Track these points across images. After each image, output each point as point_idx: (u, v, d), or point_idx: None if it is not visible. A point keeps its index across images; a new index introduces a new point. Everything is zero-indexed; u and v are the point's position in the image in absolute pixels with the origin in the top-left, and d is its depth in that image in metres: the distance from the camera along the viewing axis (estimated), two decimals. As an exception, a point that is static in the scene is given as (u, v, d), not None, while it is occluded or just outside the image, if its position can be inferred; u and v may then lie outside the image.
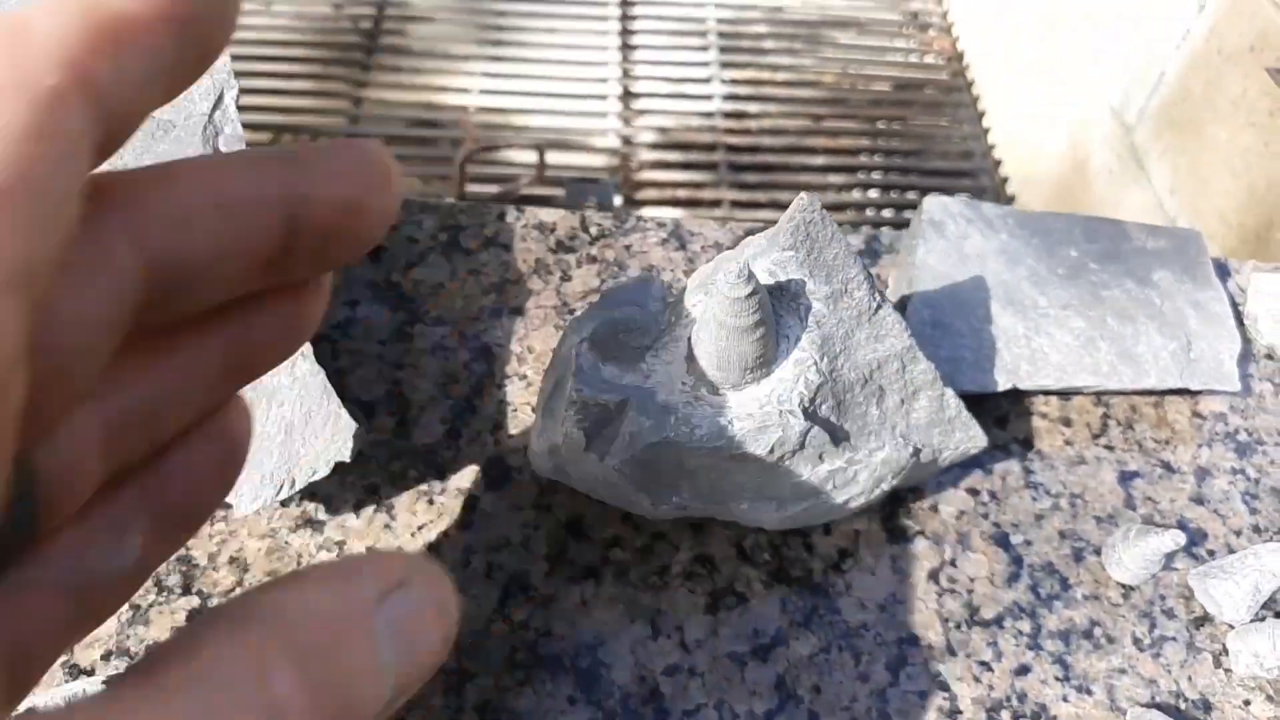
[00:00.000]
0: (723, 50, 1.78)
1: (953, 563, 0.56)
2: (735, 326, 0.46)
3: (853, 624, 0.53)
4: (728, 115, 1.66)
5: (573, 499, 0.56)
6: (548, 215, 0.70)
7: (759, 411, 0.48)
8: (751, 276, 0.46)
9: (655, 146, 1.65)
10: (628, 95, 1.72)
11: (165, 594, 0.51)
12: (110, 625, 0.49)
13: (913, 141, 1.65)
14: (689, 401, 0.49)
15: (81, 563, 0.24)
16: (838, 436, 0.50)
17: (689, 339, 0.50)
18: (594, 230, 0.69)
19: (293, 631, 0.18)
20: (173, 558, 0.51)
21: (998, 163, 1.66)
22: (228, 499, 0.50)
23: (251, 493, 0.50)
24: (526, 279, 0.66)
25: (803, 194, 0.51)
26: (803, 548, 0.56)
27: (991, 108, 1.80)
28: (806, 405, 0.49)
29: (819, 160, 1.63)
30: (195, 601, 0.51)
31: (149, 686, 0.16)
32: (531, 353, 0.62)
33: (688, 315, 0.51)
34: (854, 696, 0.51)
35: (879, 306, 0.51)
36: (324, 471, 0.50)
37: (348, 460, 0.50)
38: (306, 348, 0.51)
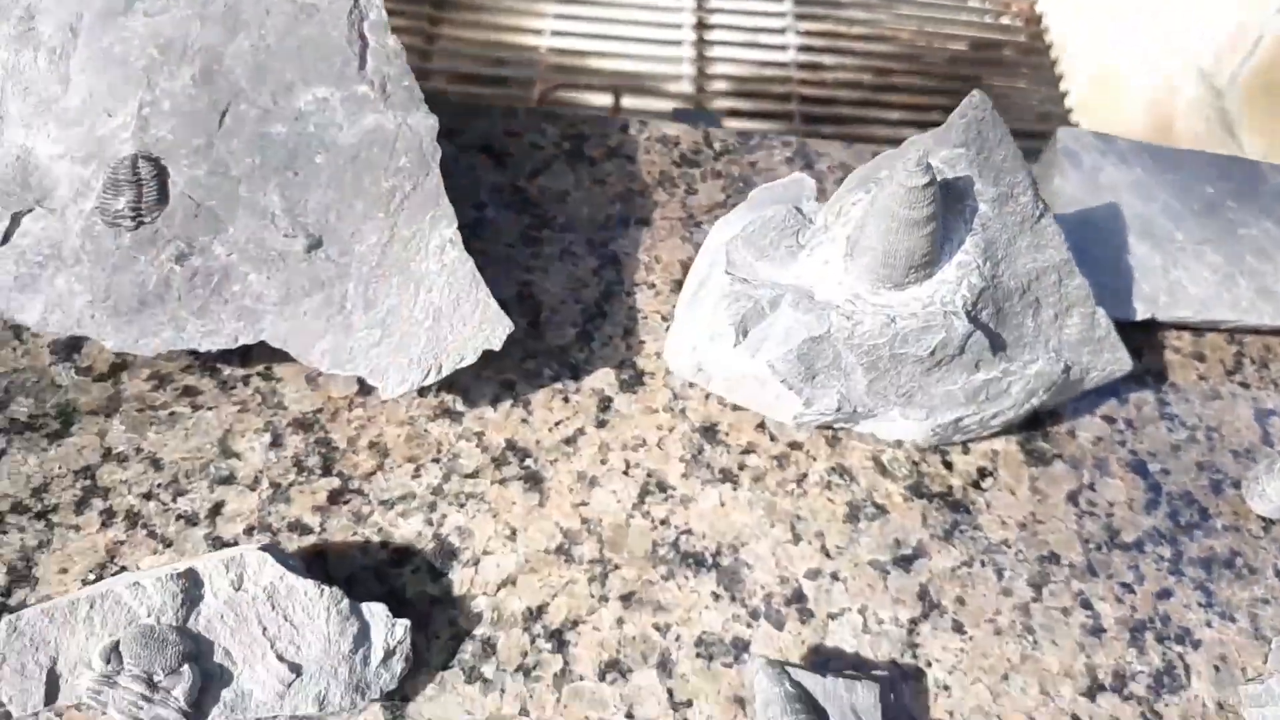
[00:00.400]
0: (798, 2, 1.75)
1: (1091, 486, 0.55)
2: (908, 219, 0.45)
3: (994, 540, 0.52)
4: (802, 66, 1.64)
5: (706, 404, 0.55)
6: (671, 129, 0.68)
7: (922, 311, 0.47)
8: (929, 167, 0.45)
9: (729, 94, 1.63)
10: (702, 43, 1.70)
11: (305, 474, 0.50)
12: (252, 501, 0.49)
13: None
14: (850, 299, 0.48)
15: None
16: (996, 345, 0.49)
17: (848, 237, 0.49)
18: (718, 146, 0.68)
19: None
20: (311, 440, 0.51)
21: (1075, 126, 1.63)
22: (372, 382, 0.49)
23: (398, 376, 0.50)
24: (651, 190, 0.65)
25: (975, 91, 0.49)
26: (941, 465, 0.55)
27: (1069, 71, 1.77)
28: (969, 309, 0.48)
29: (894, 115, 1.60)
30: (335, 483, 0.50)
31: None
32: (659, 263, 0.61)
33: (846, 213, 0.49)
34: (997, 610, 0.50)
35: (1041, 214, 0.50)
36: (471, 358, 0.50)
37: (497, 349, 0.50)
38: (455, 235, 0.51)
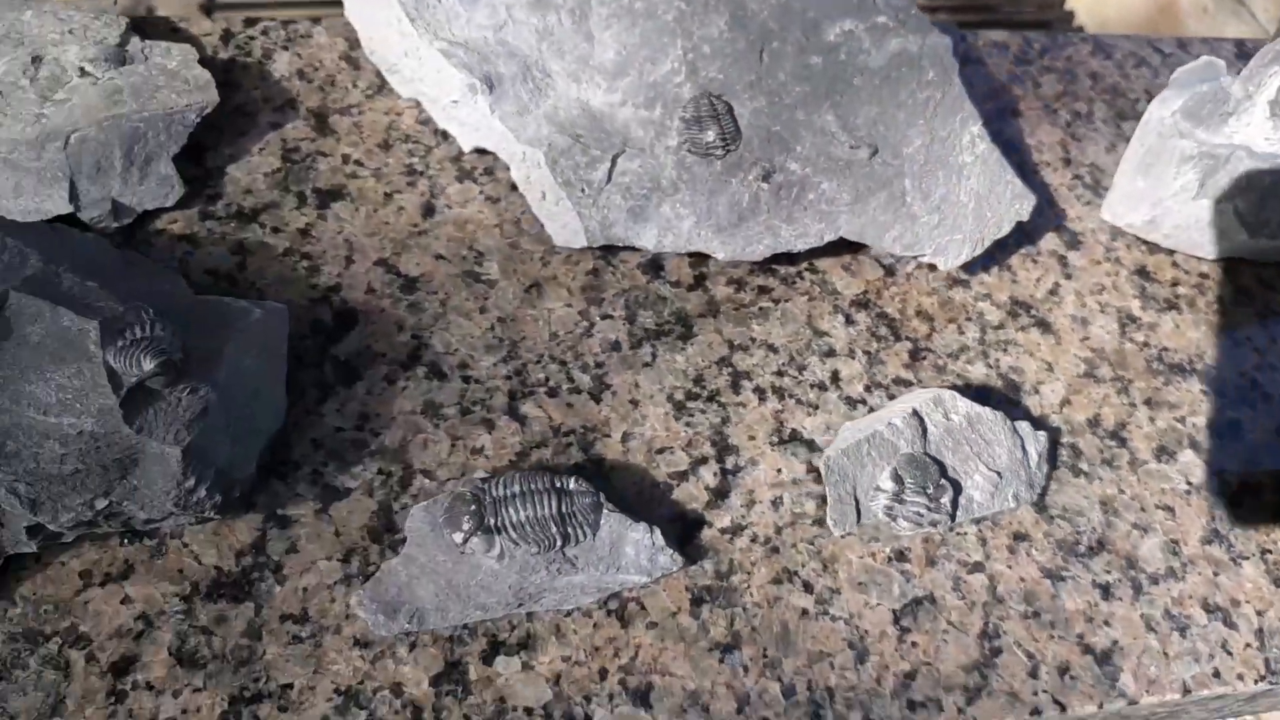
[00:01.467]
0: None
1: None
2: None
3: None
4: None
5: (1129, 251, 0.69)
6: (997, 35, 0.80)
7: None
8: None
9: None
10: None
11: (882, 341, 0.62)
12: (856, 366, 0.60)
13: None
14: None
15: None
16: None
17: (1269, 101, 0.63)
18: (1037, 48, 0.80)
19: None
20: (873, 314, 0.62)
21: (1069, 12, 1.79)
22: (933, 260, 0.61)
23: (954, 251, 0.61)
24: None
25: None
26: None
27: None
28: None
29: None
30: (908, 345, 0.62)
31: None
32: (1044, 146, 0.74)
33: (1265, 84, 0.63)
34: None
35: None
36: (1007, 230, 0.62)
37: (1025, 219, 0.62)
38: (982, 131, 0.62)
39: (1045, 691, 0.51)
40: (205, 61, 0.63)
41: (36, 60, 0.59)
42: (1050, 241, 0.68)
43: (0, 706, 0.44)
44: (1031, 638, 0.52)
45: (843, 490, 0.52)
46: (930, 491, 0.52)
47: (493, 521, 0.47)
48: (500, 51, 0.61)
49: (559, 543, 0.48)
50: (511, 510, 0.48)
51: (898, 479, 0.52)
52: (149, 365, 0.43)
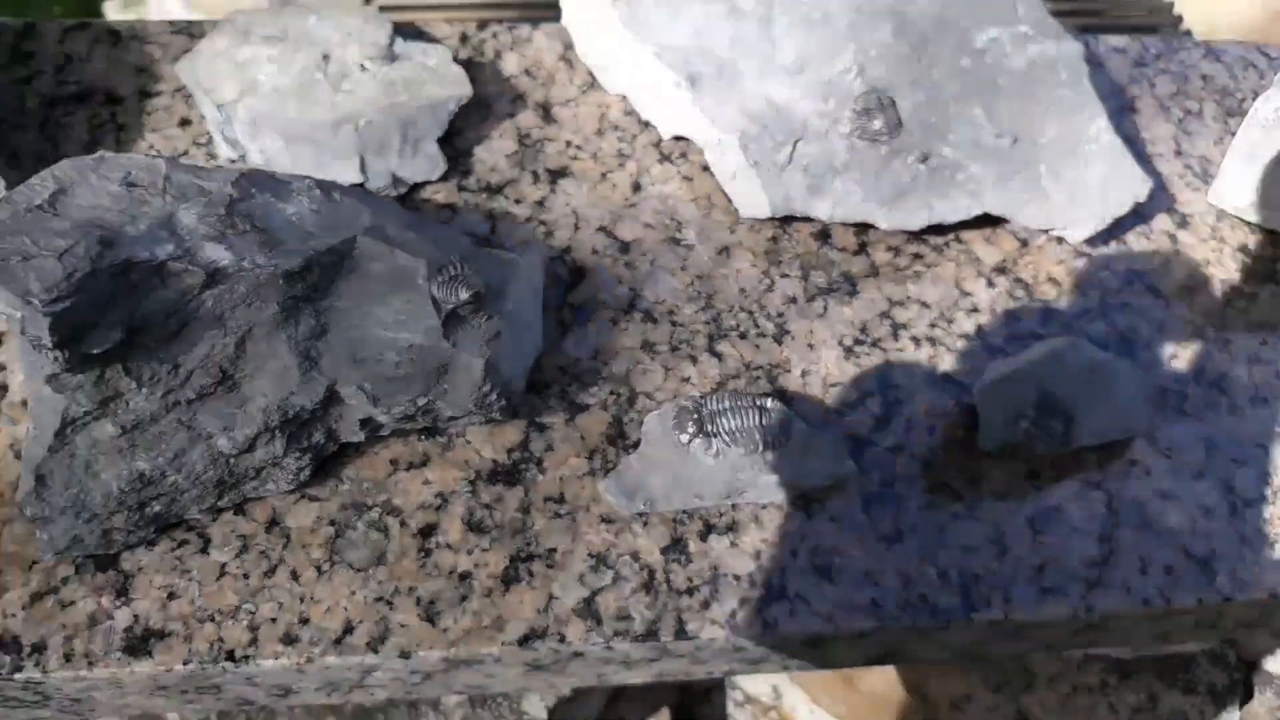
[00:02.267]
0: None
1: None
2: None
3: None
4: None
5: (1233, 231, 0.79)
6: (1118, 41, 0.91)
7: None
8: None
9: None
10: None
11: (1017, 300, 0.73)
12: (996, 320, 0.72)
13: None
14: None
15: None
16: None
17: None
18: (1153, 52, 0.90)
19: None
20: (1011, 279, 0.73)
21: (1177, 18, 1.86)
22: (1063, 233, 0.72)
23: (1081, 225, 0.72)
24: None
25: None
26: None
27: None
28: None
29: None
30: (1038, 305, 0.73)
31: None
32: (1156, 140, 0.84)
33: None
34: None
35: None
36: (1127, 209, 0.73)
37: (1143, 200, 0.73)
38: (1106, 124, 0.73)
39: (1154, 586, 0.62)
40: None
41: (326, 58, 0.73)
42: (1162, 221, 0.79)
43: (340, 556, 0.58)
44: (1142, 543, 0.63)
45: (994, 414, 0.64)
46: (1051, 423, 0.63)
47: (709, 428, 0.60)
48: (699, 54, 0.73)
49: (760, 447, 0.60)
50: (724, 420, 0.60)
51: (1037, 408, 0.63)
52: (464, 295, 0.57)
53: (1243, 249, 0.78)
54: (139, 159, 0.55)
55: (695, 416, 0.61)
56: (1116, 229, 0.77)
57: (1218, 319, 0.74)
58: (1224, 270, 0.77)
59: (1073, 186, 0.73)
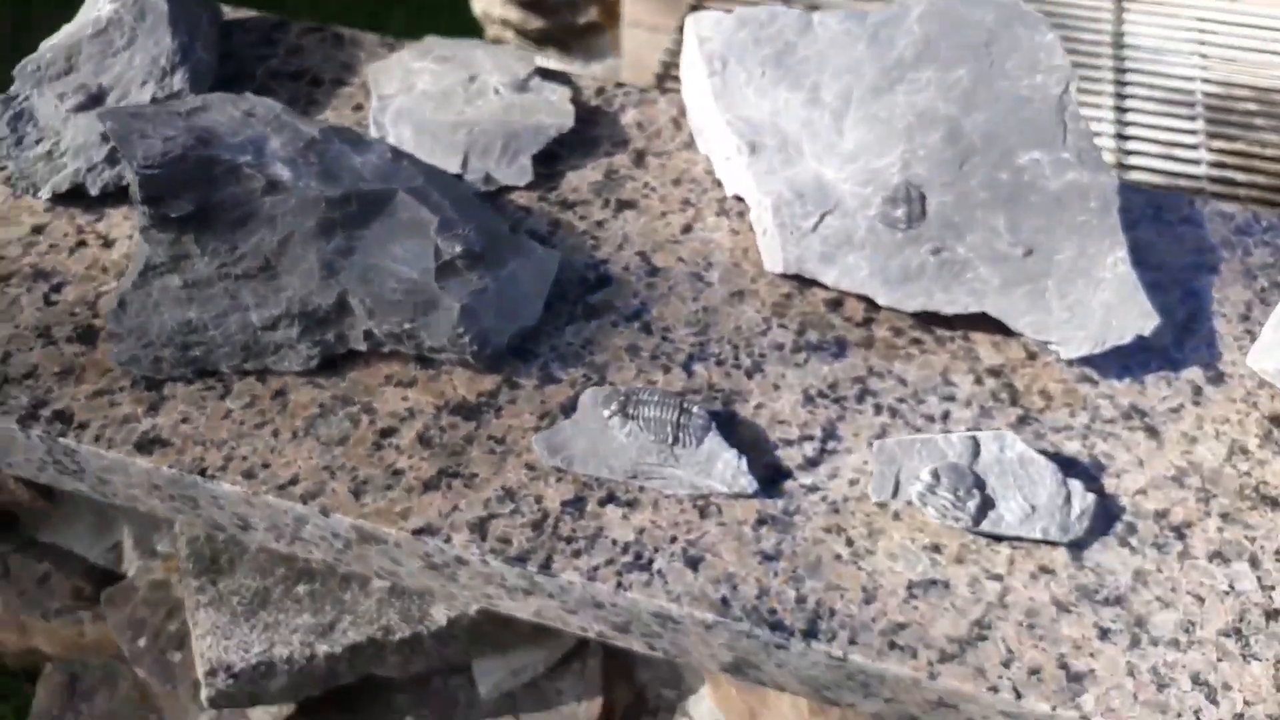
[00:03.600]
0: (1209, 121, 1.93)
1: None
2: None
3: None
4: (1214, 180, 1.82)
5: (1273, 403, 0.76)
6: (1227, 207, 0.90)
7: None
8: None
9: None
10: (1121, 152, 1.90)
11: (999, 403, 0.75)
12: (967, 414, 0.74)
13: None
14: None
15: None
16: None
17: None
18: (1262, 224, 0.89)
19: None
20: (1000, 382, 0.76)
21: None
22: (1057, 348, 0.74)
23: (1077, 344, 0.74)
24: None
25: None
26: None
27: None
28: None
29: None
30: (1019, 411, 0.75)
31: None
32: (1222, 301, 0.83)
33: None
34: None
35: None
36: (1128, 339, 0.74)
37: (1146, 334, 0.73)
38: (1125, 255, 0.75)
39: (1009, 679, 0.63)
40: (576, 101, 0.92)
41: (472, 79, 0.91)
42: (1192, 373, 0.78)
43: (314, 430, 0.72)
44: (1018, 640, 0.64)
45: (887, 469, 0.67)
46: (960, 494, 0.66)
47: (630, 411, 0.69)
48: (770, 129, 0.84)
49: (670, 440, 0.68)
50: (646, 408, 0.69)
51: (935, 476, 0.67)
52: (458, 249, 0.70)
53: (1275, 419, 0.76)
54: (266, 100, 0.74)
55: (621, 398, 0.70)
56: (1136, 370, 0.77)
57: (1211, 474, 0.73)
58: (1242, 433, 0.75)
59: (1075, 306, 0.75)
